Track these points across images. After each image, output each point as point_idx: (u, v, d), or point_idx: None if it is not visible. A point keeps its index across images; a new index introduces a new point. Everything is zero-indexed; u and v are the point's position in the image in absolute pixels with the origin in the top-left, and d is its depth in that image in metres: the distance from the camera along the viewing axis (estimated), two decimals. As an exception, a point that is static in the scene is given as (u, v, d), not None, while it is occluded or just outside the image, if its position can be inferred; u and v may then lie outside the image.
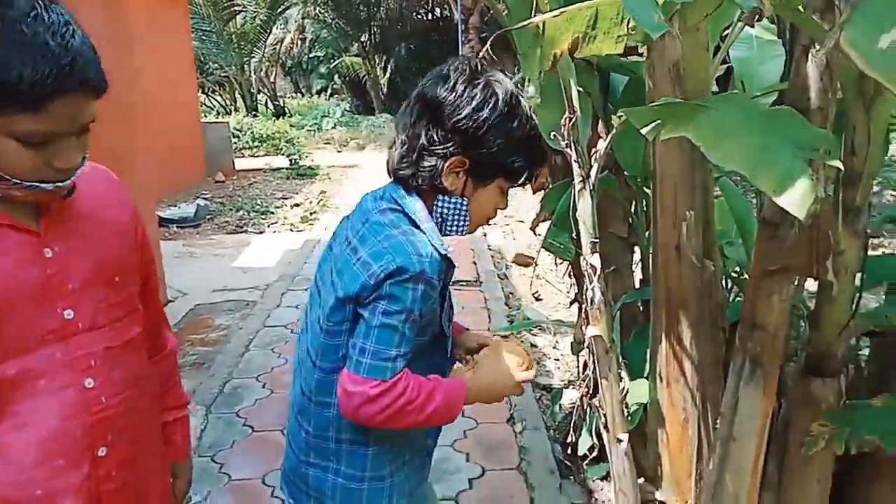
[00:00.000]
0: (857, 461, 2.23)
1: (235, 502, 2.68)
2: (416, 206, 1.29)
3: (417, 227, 1.26)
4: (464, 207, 1.31)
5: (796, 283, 1.67)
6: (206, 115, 15.21)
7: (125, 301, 1.21)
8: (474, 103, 1.23)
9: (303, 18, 19.72)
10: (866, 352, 2.47)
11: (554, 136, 1.89)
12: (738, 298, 2.52)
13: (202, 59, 16.12)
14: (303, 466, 1.42)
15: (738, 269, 2.61)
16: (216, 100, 18.57)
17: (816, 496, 2.20)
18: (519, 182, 1.37)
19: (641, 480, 2.49)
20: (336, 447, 1.37)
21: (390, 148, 1.34)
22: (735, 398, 1.85)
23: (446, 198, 1.30)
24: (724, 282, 2.74)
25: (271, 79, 19.18)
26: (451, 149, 1.24)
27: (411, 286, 1.18)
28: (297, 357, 1.52)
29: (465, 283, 5.28)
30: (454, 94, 1.23)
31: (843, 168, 1.23)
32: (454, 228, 1.33)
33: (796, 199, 1.02)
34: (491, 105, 1.23)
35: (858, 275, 1.78)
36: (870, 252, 1.86)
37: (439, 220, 1.32)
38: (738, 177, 2.58)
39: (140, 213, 1.34)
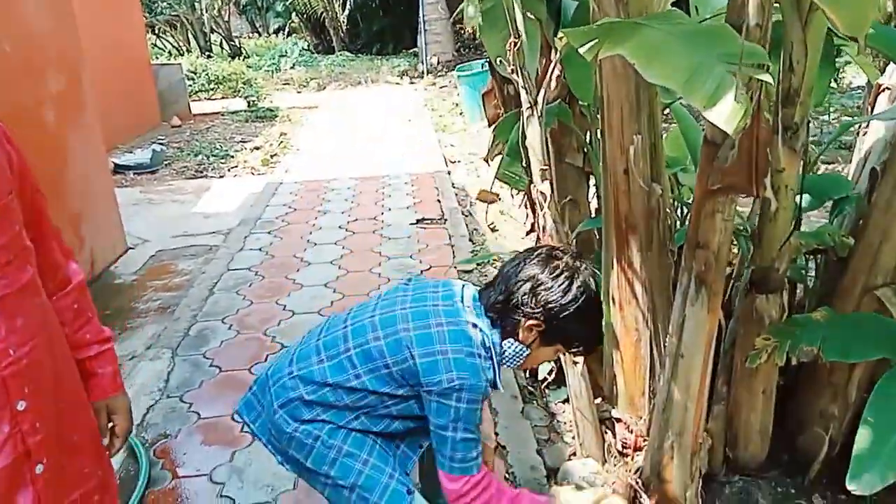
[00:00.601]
0: (799, 373, 2.36)
1: (207, 439, 2.72)
2: (495, 342, 1.58)
3: (491, 358, 1.57)
4: (523, 354, 1.62)
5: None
6: (157, 58, 14.62)
7: (10, 242, 1.11)
8: (562, 291, 1.54)
9: (255, -48, 18.86)
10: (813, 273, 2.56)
11: (500, 61, 1.88)
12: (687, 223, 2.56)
13: (150, -3, 15.42)
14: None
15: (691, 194, 2.65)
16: (167, 41, 17.81)
17: (762, 407, 2.32)
18: (569, 352, 1.76)
19: (598, 400, 2.59)
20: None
21: (487, 287, 1.66)
22: (682, 316, 1.92)
23: (515, 343, 1.60)
24: (678, 208, 2.80)
25: (225, 18, 18.42)
26: (534, 314, 1.55)
27: (479, 406, 1.53)
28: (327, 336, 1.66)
29: (429, 221, 5.29)
30: (550, 278, 1.56)
31: (776, 82, 1.25)
32: (508, 363, 1.64)
33: (726, 113, 1.04)
34: (573, 297, 1.55)
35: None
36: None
37: (501, 354, 1.60)
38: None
39: (12, 138, 1.17)
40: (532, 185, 1.98)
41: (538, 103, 1.82)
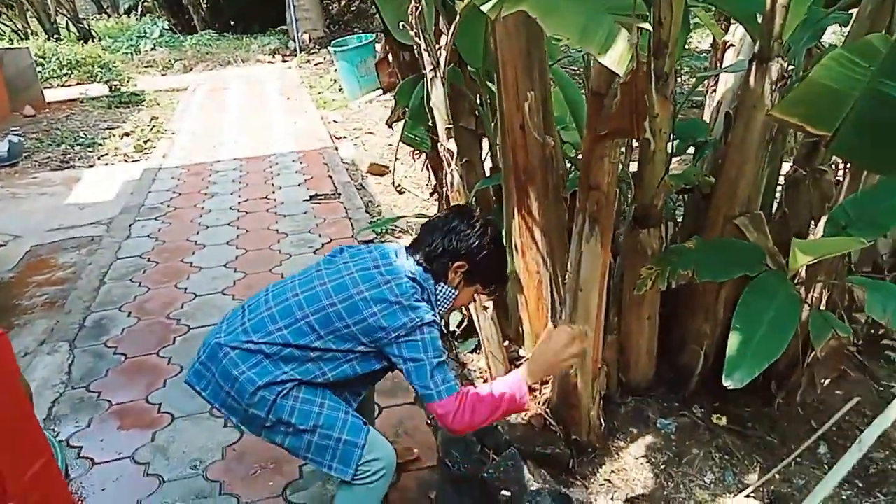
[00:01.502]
0: (677, 299, 2.68)
1: (123, 424, 2.67)
2: (430, 286, 1.83)
3: (429, 299, 1.82)
4: (452, 295, 1.88)
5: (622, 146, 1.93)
6: (-3, 42, 13.32)
7: None
8: (479, 235, 1.84)
9: (97, -75, 17.45)
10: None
11: (402, 26, 1.99)
12: (574, 173, 2.80)
13: (-21, -25, 13.92)
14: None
15: (574, 149, 2.90)
16: (4, 24, 16.18)
17: (648, 332, 2.63)
18: (485, 291, 1.99)
19: (507, 343, 2.81)
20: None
21: (413, 244, 1.90)
22: (579, 254, 2.15)
23: (444, 286, 1.86)
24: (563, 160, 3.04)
25: (70, -3, 16.98)
26: (460, 256, 1.83)
27: (437, 334, 1.75)
28: (276, 294, 1.84)
29: (323, 197, 5.30)
30: (470, 225, 1.85)
31: (652, 31, 1.45)
32: (441, 306, 1.89)
33: (616, 57, 1.22)
34: (489, 238, 1.86)
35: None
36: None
37: (435, 295, 1.85)
38: (567, 59, 2.81)
39: None
40: (439, 144, 2.12)
41: (441, 65, 1.95)
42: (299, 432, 1.71)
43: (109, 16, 22.03)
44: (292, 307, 1.76)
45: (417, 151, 2.90)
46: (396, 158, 2.95)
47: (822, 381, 2.37)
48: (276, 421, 1.71)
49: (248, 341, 1.74)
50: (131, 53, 14.22)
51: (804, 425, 2.52)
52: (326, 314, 1.73)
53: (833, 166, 2.44)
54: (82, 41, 14.67)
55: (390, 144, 6.34)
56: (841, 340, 2.13)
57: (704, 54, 7.74)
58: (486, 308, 2.53)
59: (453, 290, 1.87)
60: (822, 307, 2.40)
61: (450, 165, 2.14)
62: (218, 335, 1.80)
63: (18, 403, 1.32)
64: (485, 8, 1.45)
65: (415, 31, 1.90)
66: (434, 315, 1.76)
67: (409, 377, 1.72)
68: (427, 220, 1.97)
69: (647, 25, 1.29)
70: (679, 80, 7.27)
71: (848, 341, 2.23)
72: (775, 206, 2.65)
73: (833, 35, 4.28)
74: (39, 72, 10.41)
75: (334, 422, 1.73)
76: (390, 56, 2.76)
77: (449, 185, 2.22)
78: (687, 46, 7.95)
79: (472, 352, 3.17)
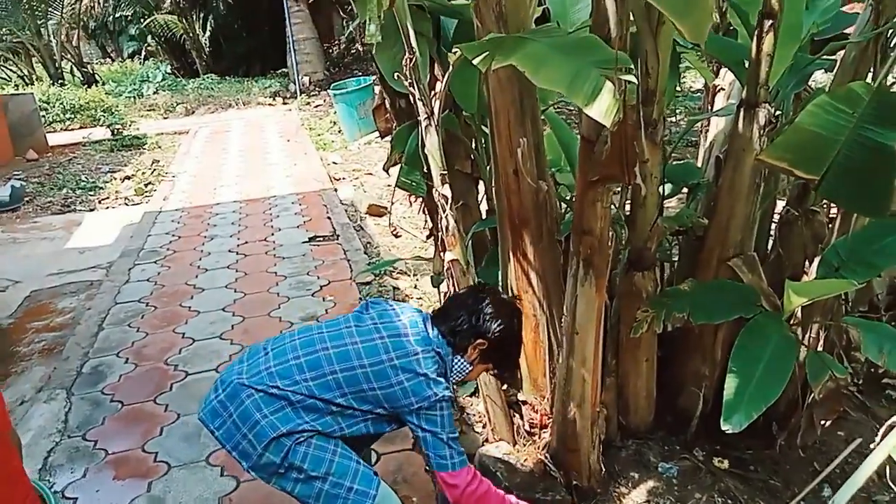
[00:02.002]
0: (674, 342, 2.68)
1: (118, 474, 2.64)
2: (449, 360, 1.91)
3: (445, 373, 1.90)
4: (466, 369, 1.95)
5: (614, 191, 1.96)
6: (2, 88, 13.53)
7: None
8: (507, 317, 1.94)
9: (102, -26, 17.89)
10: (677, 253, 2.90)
11: (397, 76, 2.03)
12: (569, 216, 2.83)
13: (-13, 24, 14.21)
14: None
15: (568, 192, 2.92)
16: (10, 70, 16.47)
17: (646, 374, 2.62)
18: (496, 371, 2.12)
19: (505, 387, 2.79)
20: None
21: (441, 315, 1.96)
22: (574, 297, 2.16)
23: (461, 359, 1.93)
24: (558, 204, 3.07)
25: (74, 43, 17.29)
26: (485, 335, 1.90)
27: (451, 410, 1.84)
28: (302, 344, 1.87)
29: (322, 238, 5.33)
30: (500, 306, 1.94)
31: (638, 83, 1.49)
32: (452, 377, 1.95)
33: (603, 109, 1.25)
34: (514, 325, 1.97)
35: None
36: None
37: (451, 368, 1.93)
38: (561, 102, 2.86)
39: None
40: (434, 190, 2.14)
41: (434, 113, 1.99)
42: (311, 479, 1.72)
43: (113, 60, 22.43)
44: (321, 360, 1.79)
45: (414, 195, 2.93)
46: (392, 203, 2.98)
47: (823, 422, 2.35)
48: (289, 466, 1.72)
49: (273, 386, 1.76)
50: (134, 97, 14.44)
51: (807, 467, 2.50)
52: (355, 374, 1.78)
53: (825, 206, 2.46)
54: (86, 86, 14.90)
55: (389, 185, 6.39)
56: (839, 381, 2.13)
57: (698, 93, 7.87)
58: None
59: (468, 365, 1.94)
60: (820, 348, 2.40)
61: (445, 210, 2.16)
62: (240, 375, 1.80)
63: (8, 460, 1.31)
64: (476, 62, 1.49)
65: (409, 80, 1.95)
66: (450, 390, 1.84)
67: (425, 445, 1.81)
68: (455, 294, 2.12)
69: (632, 78, 1.32)
70: (674, 118, 7.39)
71: (846, 382, 2.22)
72: (770, 245, 2.67)
73: (827, 76, 4.36)
74: (43, 116, 10.57)
75: (346, 470, 1.75)
76: (386, 102, 2.81)
77: (444, 229, 2.24)
78: (680, 87, 8.10)
79: (470, 395, 3.15)
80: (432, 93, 2.18)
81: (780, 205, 2.63)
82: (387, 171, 2.83)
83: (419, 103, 1.97)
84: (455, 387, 3.23)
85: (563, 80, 1.31)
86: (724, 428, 1.92)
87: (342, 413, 1.78)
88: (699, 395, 2.59)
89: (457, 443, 1.82)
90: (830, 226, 2.43)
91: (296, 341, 1.86)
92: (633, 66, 1.35)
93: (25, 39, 14.90)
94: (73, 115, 11.40)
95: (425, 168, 2.19)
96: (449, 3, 2.44)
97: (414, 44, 1.88)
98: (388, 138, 2.92)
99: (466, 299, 1.97)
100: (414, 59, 1.88)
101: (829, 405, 2.26)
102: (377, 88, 2.83)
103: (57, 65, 15.59)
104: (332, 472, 1.73)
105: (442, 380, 1.82)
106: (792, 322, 2.31)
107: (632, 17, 1.69)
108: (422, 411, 1.77)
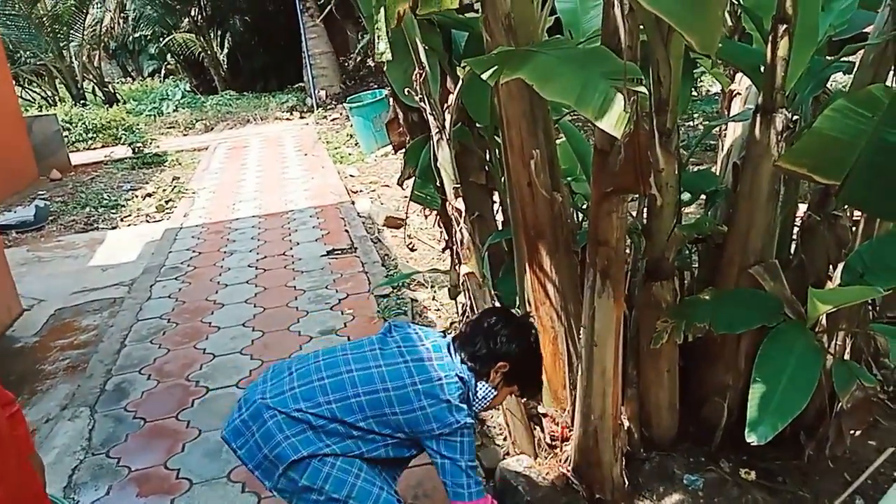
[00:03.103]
0: (696, 351, 2.63)
1: (142, 491, 2.66)
2: (471, 385, 1.87)
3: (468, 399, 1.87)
4: (491, 395, 1.92)
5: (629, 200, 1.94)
6: (27, 110, 13.81)
7: None
8: (527, 339, 1.94)
9: (121, -5, 18.23)
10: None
11: (407, 91, 2.03)
12: (586, 226, 2.80)
13: (11, 47, 14.50)
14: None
15: (584, 201, 2.90)
16: (35, 91, 16.84)
17: (668, 385, 2.57)
18: (520, 393, 2.07)
19: (525, 399, 2.76)
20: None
21: (460, 339, 1.95)
22: (592, 309, 2.13)
23: (485, 385, 1.90)
24: (574, 214, 3.05)
25: (95, 63, 17.63)
26: (506, 358, 1.88)
27: (472, 438, 1.83)
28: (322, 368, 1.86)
29: (340, 252, 5.35)
30: (519, 329, 1.95)
31: (649, 94, 1.47)
32: (478, 404, 1.91)
33: (613, 121, 1.24)
34: (533, 343, 1.97)
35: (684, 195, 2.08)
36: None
37: (474, 395, 1.89)
38: (572, 115, 2.85)
39: None
40: (447, 203, 2.14)
41: (446, 127, 1.98)
42: (331, 500, 1.72)
43: (134, 79, 22.85)
44: (345, 383, 1.79)
45: (429, 208, 2.93)
46: (407, 216, 2.98)
47: (852, 432, 2.29)
48: (309, 487, 1.72)
49: (296, 409, 1.76)
50: (154, 115, 14.67)
51: (837, 478, 2.43)
52: (378, 398, 1.78)
53: (847, 210, 2.41)
54: (107, 105, 15.18)
55: (405, 197, 6.39)
56: (867, 390, 2.07)
57: (716, 97, 7.79)
58: (501, 365, 2.50)
59: (493, 390, 1.92)
60: (846, 356, 2.35)
61: (459, 224, 2.15)
62: (263, 395, 1.81)
63: (30, 485, 1.32)
64: (484, 76, 1.48)
65: (419, 95, 1.94)
66: (472, 417, 1.83)
67: (443, 472, 1.80)
68: (471, 319, 2.09)
69: (642, 89, 1.30)
70: (692, 123, 7.31)
71: (875, 390, 2.16)
72: (792, 251, 2.62)
73: (848, 77, 4.28)
74: (66, 136, 10.76)
75: (367, 496, 1.74)
76: (399, 116, 2.82)
77: (459, 242, 2.23)
78: (697, 91, 8.02)
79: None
80: (444, 106, 2.18)
81: (802, 209, 2.58)
82: (401, 185, 2.83)
83: (430, 117, 1.96)
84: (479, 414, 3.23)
85: (571, 92, 1.30)
86: (749, 440, 1.88)
87: (363, 437, 1.77)
88: (723, 405, 2.54)
89: (475, 471, 1.81)
90: (854, 229, 2.38)
91: (320, 362, 1.86)
92: (643, 76, 1.33)
93: (48, 62, 15.22)
94: (94, 135, 11.60)
95: (438, 182, 2.18)
96: (459, 16, 2.44)
97: (424, 58, 1.88)
98: (402, 151, 2.92)
99: (482, 323, 1.96)
100: (424, 74, 1.88)
101: (859, 414, 2.20)
102: (392, 101, 2.84)
103: (79, 85, 15.89)
104: (352, 495, 1.72)
105: (465, 406, 1.81)
106: (817, 330, 2.26)
107: (642, 26, 1.67)
108: (442, 437, 1.77)
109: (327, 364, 1.85)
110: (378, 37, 1.58)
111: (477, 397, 1.89)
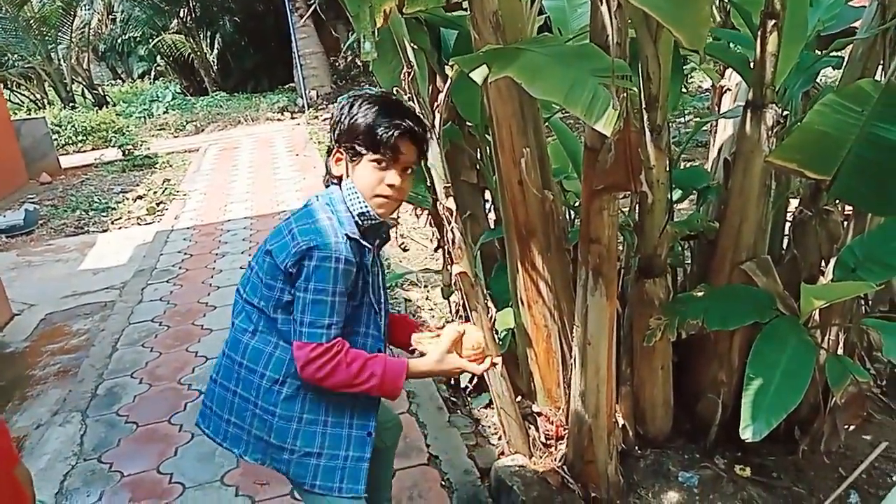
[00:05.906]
0: (690, 348, 2.63)
1: (135, 495, 2.64)
2: (335, 197, 1.64)
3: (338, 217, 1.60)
4: (353, 188, 1.62)
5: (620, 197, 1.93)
6: (15, 113, 13.72)
7: None
8: (341, 111, 1.61)
9: (109, -4, 18.13)
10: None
11: (396, 91, 2.01)
12: (578, 223, 2.79)
13: (-1, 50, 14.45)
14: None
15: (576, 198, 2.89)
16: (23, 95, 16.73)
17: (662, 382, 2.57)
18: (382, 150, 1.57)
19: (519, 398, 2.76)
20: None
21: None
22: (585, 307, 2.12)
23: (345, 184, 1.63)
24: (566, 212, 3.04)
25: (84, 66, 17.52)
26: (335, 146, 1.64)
27: (332, 265, 1.52)
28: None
29: (331, 252, 5.32)
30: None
31: (639, 91, 1.46)
32: (358, 208, 1.62)
33: (603, 118, 1.22)
34: (348, 106, 1.60)
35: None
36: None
37: (347, 207, 1.62)
38: (562, 113, 2.84)
39: None
40: (438, 203, 2.12)
41: (436, 126, 1.97)
42: (305, 456, 1.63)
43: (124, 81, 22.73)
44: (237, 304, 1.75)
45: (420, 208, 2.91)
46: (398, 217, 2.95)
47: (846, 427, 2.29)
48: (280, 445, 1.64)
49: (225, 356, 1.73)
50: (144, 117, 14.60)
51: (832, 473, 2.44)
52: (250, 281, 1.70)
53: (839, 204, 2.41)
54: (97, 107, 15.10)
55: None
56: (861, 385, 2.07)
57: (706, 93, 7.80)
58: (494, 365, 2.49)
59: (351, 185, 1.62)
60: (840, 351, 2.34)
61: (450, 223, 2.13)
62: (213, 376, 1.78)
63: (18, 497, 1.30)
64: (473, 75, 1.47)
65: (408, 95, 1.93)
66: (336, 238, 1.54)
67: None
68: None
69: (632, 86, 1.29)
70: (683, 119, 7.31)
71: (868, 385, 2.16)
72: (784, 246, 2.62)
73: (838, 72, 4.29)
74: (55, 139, 10.70)
75: (338, 441, 1.65)
76: (389, 116, 2.79)
77: (450, 242, 2.21)
78: (688, 87, 8.03)
79: (485, 407, 3.13)
80: (434, 105, 2.16)
81: (794, 204, 2.58)
82: (391, 186, 2.81)
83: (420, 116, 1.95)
84: (462, 382, 3.17)
85: (560, 89, 1.28)
86: (743, 437, 1.88)
87: (277, 309, 1.62)
88: (718, 401, 2.54)
89: (316, 310, 1.53)
90: (846, 224, 2.38)
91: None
92: (631, 73, 1.32)
93: (36, 65, 15.13)
94: (84, 137, 11.54)
95: (429, 181, 2.16)
96: (447, 14, 2.42)
97: (412, 58, 1.86)
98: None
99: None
100: (412, 73, 1.86)
101: (853, 409, 2.20)
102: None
103: (68, 88, 15.80)
104: (325, 445, 1.63)
105: (317, 226, 1.56)
106: (810, 325, 2.26)
107: (630, 23, 1.66)
108: (289, 268, 1.55)
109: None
110: (364, 36, 1.56)
111: (352, 204, 1.62)
